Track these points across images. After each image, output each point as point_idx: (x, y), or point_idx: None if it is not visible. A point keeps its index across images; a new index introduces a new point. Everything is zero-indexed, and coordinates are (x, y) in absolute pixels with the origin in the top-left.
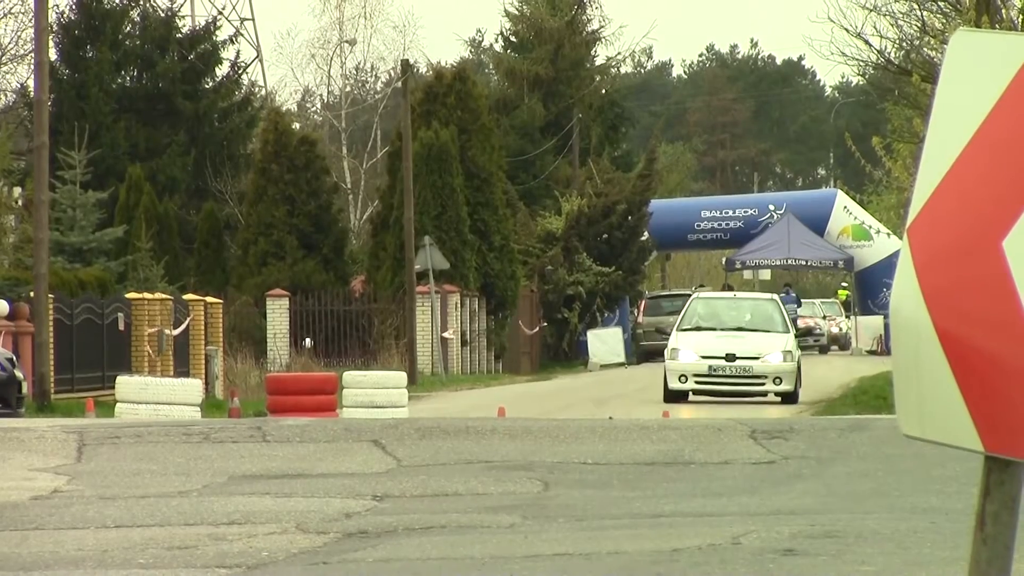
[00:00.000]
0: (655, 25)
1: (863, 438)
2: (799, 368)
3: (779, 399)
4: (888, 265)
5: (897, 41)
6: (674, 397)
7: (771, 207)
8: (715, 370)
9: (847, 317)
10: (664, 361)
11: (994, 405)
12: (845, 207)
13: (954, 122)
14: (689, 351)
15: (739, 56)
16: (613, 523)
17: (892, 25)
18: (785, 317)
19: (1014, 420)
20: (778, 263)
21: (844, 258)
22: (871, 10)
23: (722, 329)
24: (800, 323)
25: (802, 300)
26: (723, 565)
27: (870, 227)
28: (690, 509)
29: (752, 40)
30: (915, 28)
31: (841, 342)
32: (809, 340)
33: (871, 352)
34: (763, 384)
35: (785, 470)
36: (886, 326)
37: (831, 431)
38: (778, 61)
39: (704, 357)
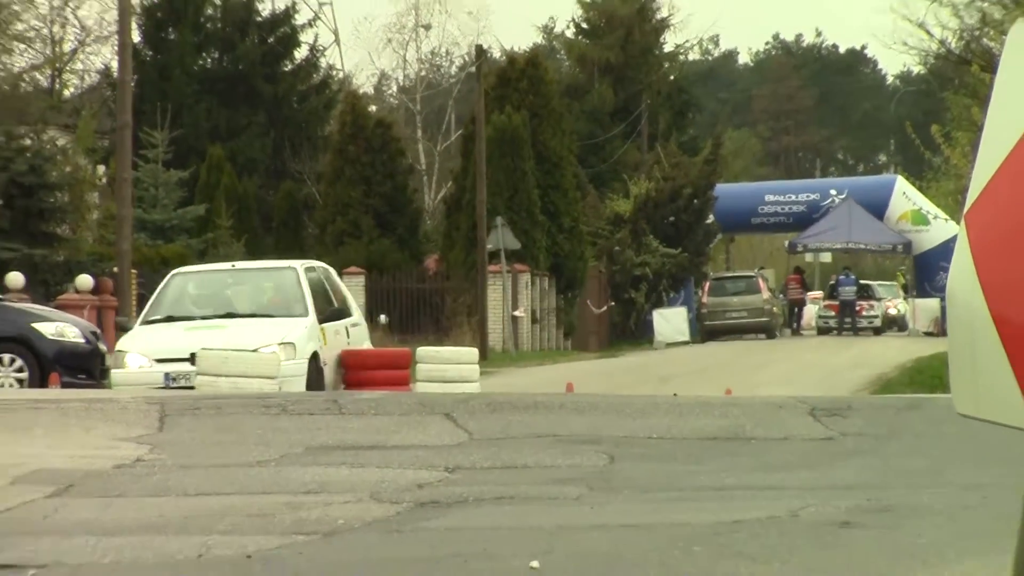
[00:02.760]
0: (722, 14)
1: (919, 416)
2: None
3: None
4: (945, 250)
5: (958, 31)
6: None
7: (832, 192)
8: (175, 380)
9: (905, 299)
10: (110, 370)
11: None
12: (904, 193)
13: (1012, 111)
14: (136, 355)
15: (804, 45)
16: (676, 495)
17: (953, 15)
18: (307, 294)
19: None
20: (839, 246)
21: (903, 242)
22: (933, 0)
23: (204, 317)
24: (863, 305)
25: (863, 281)
26: (782, 536)
27: (928, 212)
28: (750, 483)
29: (817, 30)
30: (975, 19)
31: (899, 323)
32: (871, 318)
33: (928, 333)
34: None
35: (843, 446)
36: (943, 308)
37: (888, 409)
38: (841, 50)
39: (160, 361)
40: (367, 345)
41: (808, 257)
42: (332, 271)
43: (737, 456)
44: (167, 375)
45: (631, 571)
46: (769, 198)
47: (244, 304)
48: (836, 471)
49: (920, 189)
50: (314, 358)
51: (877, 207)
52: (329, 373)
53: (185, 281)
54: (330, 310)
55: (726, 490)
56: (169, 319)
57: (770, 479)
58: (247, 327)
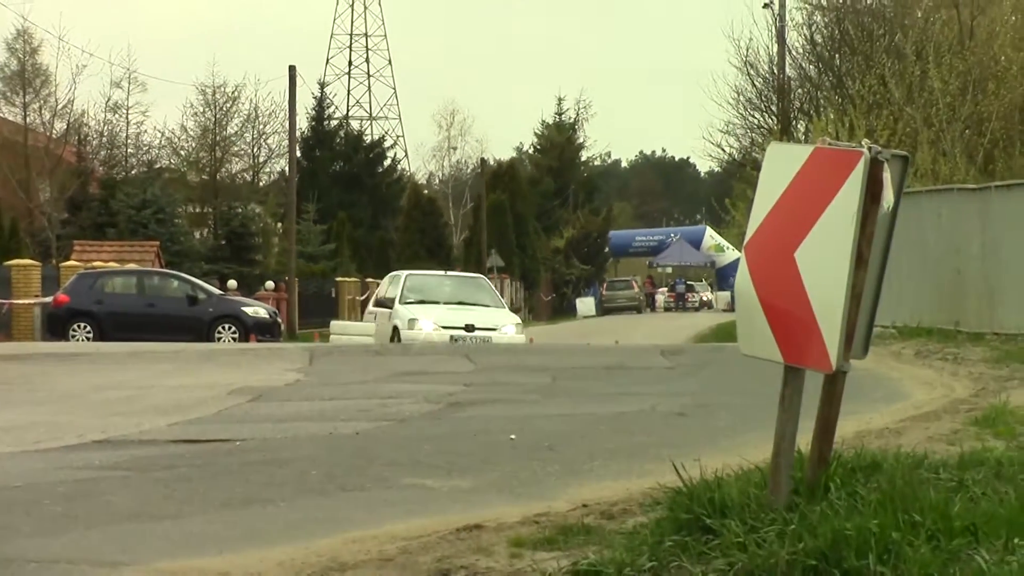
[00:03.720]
0: (612, 139)
1: (720, 356)
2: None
3: None
4: (733, 265)
5: (739, 149)
6: None
7: (672, 235)
8: (457, 340)
9: (711, 292)
10: (401, 331)
11: (788, 338)
12: (711, 235)
13: (769, 191)
14: (427, 322)
15: (656, 155)
16: (589, 398)
17: (737, 140)
18: (497, 293)
19: (799, 346)
20: (675, 264)
21: (710, 261)
22: (725, 133)
23: (446, 303)
24: (689, 295)
25: (689, 283)
26: (646, 421)
27: (723, 245)
28: (628, 391)
29: (663, 148)
30: (748, 141)
31: (708, 305)
32: (693, 303)
33: (725, 311)
34: None
35: (678, 372)
36: (732, 296)
37: (703, 351)
38: (676, 158)
39: (445, 328)
40: None
41: (659, 269)
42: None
43: (622, 377)
44: (452, 337)
45: (567, 439)
46: (638, 238)
47: (466, 297)
48: (675, 385)
49: (719, 233)
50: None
51: (696, 242)
52: None
53: (418, 279)
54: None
55: (616, 396)
56: (422, 302)
57: (639, 390)
58: (484, 311)
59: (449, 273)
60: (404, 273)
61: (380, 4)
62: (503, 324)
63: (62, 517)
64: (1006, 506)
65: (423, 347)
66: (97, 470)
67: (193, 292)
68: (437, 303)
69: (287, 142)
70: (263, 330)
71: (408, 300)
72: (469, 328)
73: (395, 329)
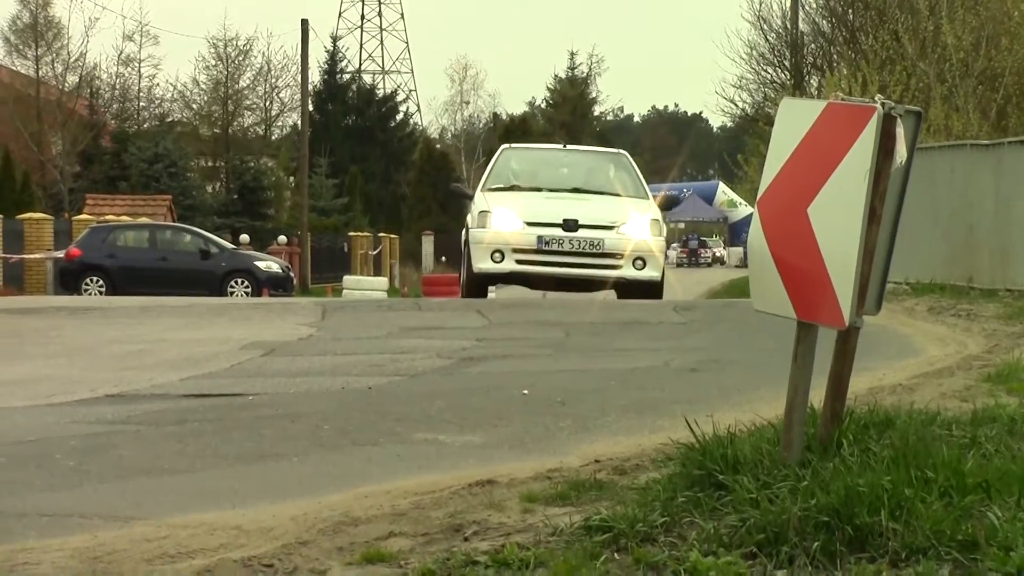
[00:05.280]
0: (625, 94)
1: (733, 311)
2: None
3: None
4: (745, 220)
5: (752, 104)
6: (478, 287)
7: (685, 190)
8: (548, 243)
9: (723, 248)
10: (470, 229)
11: (801, 294)
12: (723, 191)
13: (781, 147)
14: (505, 213)
15: (669, 111)
16: (602, 354)
17: (750, 95)
18: (641, 178)
19: (812, 302)
20: (689, 219)
21: (723, 216)
22: (738, 88)
23: (551, 190)
24: (701, 251)
25: (702, 238)
26: (660, 376)
27: (736, 201)
28: (642, 347)
29: (675, 102)
30: (762, 96)
31: (721, 261)
32: (706, 259)
33: (737, 266)
34: (619, 266)
35: (691, 327)
36: (745, 252)
37: (716, 307)
38: (689, 113)
39: (531, 224)
40: None
41: (671, 225)
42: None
43: (635, 333)
44: (540, 238)
45: (579, 394)
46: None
47: (587, 182)
48: (688, 341)
49: (732, 189)
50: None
51: (708, 198)
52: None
53: (518, 154)
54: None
55: (629, 351)
56: (514, 188)
57: (653, 345)
58: (604, 202)
59: (570, 147)
60: (502, 147)
61: None
62: (624, 220)
63: (74, 471)
64: (1019, 463)
65: (438, 304)
66: (109, 424)
67: (205, 246)
68: (539, 190)
69: (299, 96)
70: (276, 285)
71: (494, 186)
72: (570, 225)
73: (466, 229)
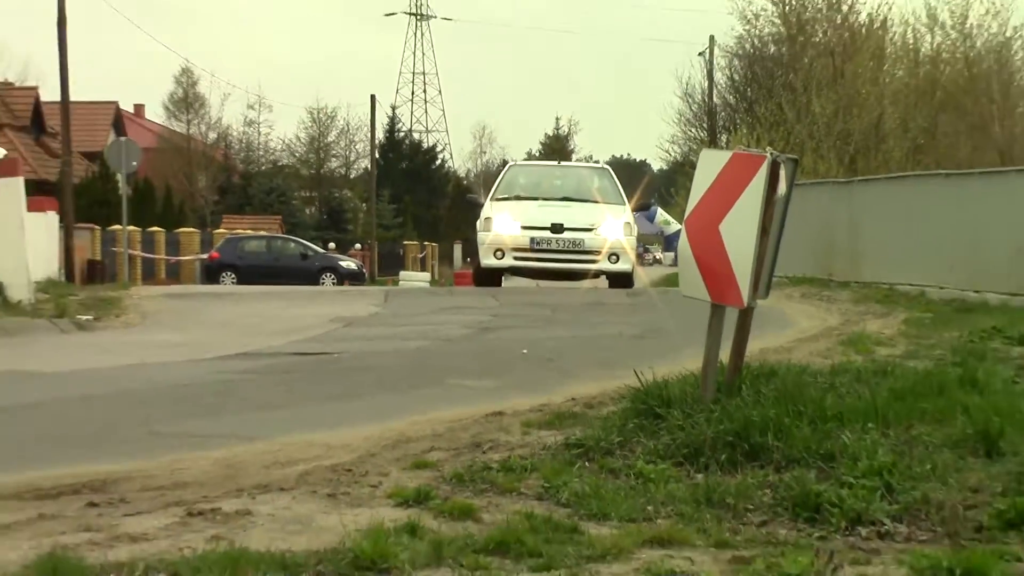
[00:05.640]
0: (593, 148)
1: (668, 296)
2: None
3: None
4: (675, 234)
5: (681, 154)
6: (486, 277)
7: (635, 213)
8: (537, 243)
9: (661, 253)
10: (478, 232)
11: (714, 284)
12: (661, 213)
13: (701, 183)
14: (506, 220)
15: (625, 158)
16: (576, 326)
17: (679, 147)
18: (620, 188)
19: (722, 290)
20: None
21: (660, 231)
22: (671, 143)
23: (546, 199)
24: (645, 254)
25: (646, 246)
26: (616, 340)
27: (669, 220)
28: (604, 321)
29: (628, 152)
30: (687, 148)
31: (660, 261)
32: (648, 260)
33: (670, 266)
34: (596, 260)
35: (639, 308)
36: (675, 255)
37: (657, 293)
38: (637, 159)
39: (526, 228)
40: None
41: None
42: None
43: (599, 311)
44: (533, 239)
45: (562, 353)
46: None
47: (576, 191)
48: (636, 317)
49: (667, 212)
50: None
51: (650, 218)
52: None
53: (521, 170)
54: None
55: (595, 323)
56: (518, 197)
57: (612, 319)
58: (587, 208)
59: (564, 163)
60: (509, 164)
61: (434, 52)
62: (601, 223)
63: (214, 406)
64: (863, 401)
65: (464, 291)
66: (238, 373)
67: (304, 251)
68: (535, 199)
69: (370, 148)
70: (353, 277)
71: (501, 196)
72: (557, 228)
73: (476, 232)
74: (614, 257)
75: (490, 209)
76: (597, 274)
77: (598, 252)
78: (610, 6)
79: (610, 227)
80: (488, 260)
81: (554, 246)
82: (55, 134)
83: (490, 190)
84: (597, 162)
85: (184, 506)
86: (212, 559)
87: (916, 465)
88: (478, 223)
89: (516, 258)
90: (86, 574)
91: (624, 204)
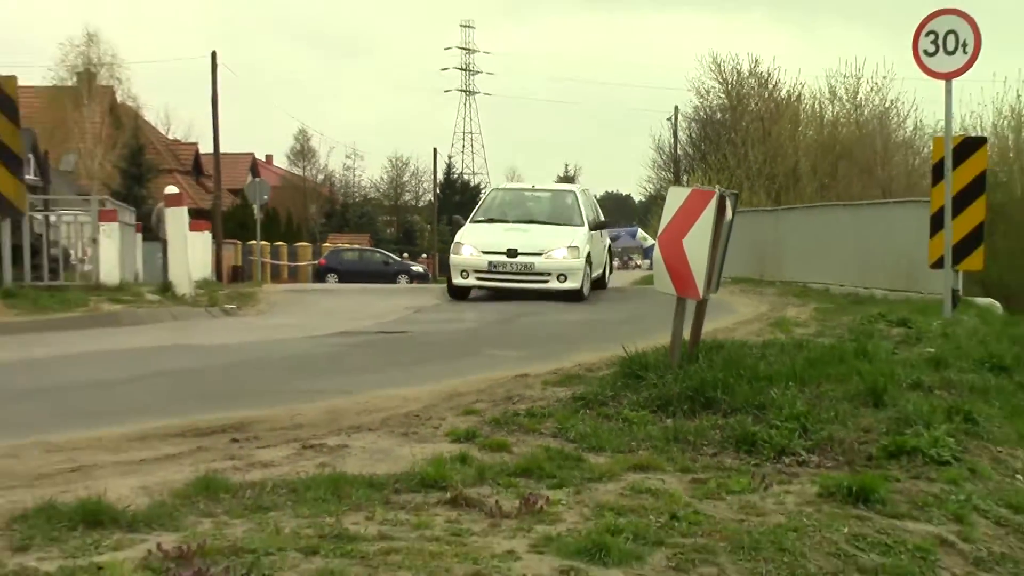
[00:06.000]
0: (593, 184)
1: (646, 291)
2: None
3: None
4: (651, 247)
5: (655, 189)
6: (457, 293)
7: (622, 233)
8: (493, 266)
9: (641, 260)
10: (451, 255)
11: (679, 282)
12: (641, 232)
13: (670, 209)
14: (469, 246)
15: (613, 193)
16: (576, 313)
17: (653, 185)
18: (584, 211)
19: (684, 286)
20: (624, 245)
21: (640, 245)
22: (648, 181)
23: (516, 221)
24: (630, 262)
25: (630, 255)
26: (607, 324)
27: (647, 237)
28: (598, 309)
29: (617, 188)
30: (660, 185)
31: (640, 267)
32: (632, 266)
33: (648, 270)
34: (547, 281)
35: (623, 300)
36: (651, 262)
37: (637, 289)
38: (624, 193)
39: (485, 252)
40: (608, 242)
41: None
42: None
43: (597, 304)
44: (490, 263)
45: (568, 333)
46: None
47: (543, 213)
48: (621, 307)
49: (646, 231)
50: (588, 257)
51: (632, 235)
52: (591, 265)
53: (500, 195)
54: (594, 223)
55: (591, 312)
56: (489, 220)
57: (604, 308)
58: (546, 231)
59: (537, 187)
60: (492, 188)
61: (478, 116)
62: (553, 247)
63: (323, 370)
64: (785, 367)
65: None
66: (339, 347)
67: (386, 259)
68: (505, 222)
69: (432, 186)
70: (421, 279)
71: (479, 218)
72: (511, 253)
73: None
74: (562, 277)
75: (461, 234)
76: (548, 291)
77: (548, 274)
78: (605, 86)
79: (559, 251)
80: (456, 279)
81: (508, 269)
82: (209, 176)
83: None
84: (572, 179)
85: (300, 441)
86: (320, 480)
87: (824, 413)
88: (452, 245)
89: (478, 278)
90: (230, 489)
91: (583, 225)
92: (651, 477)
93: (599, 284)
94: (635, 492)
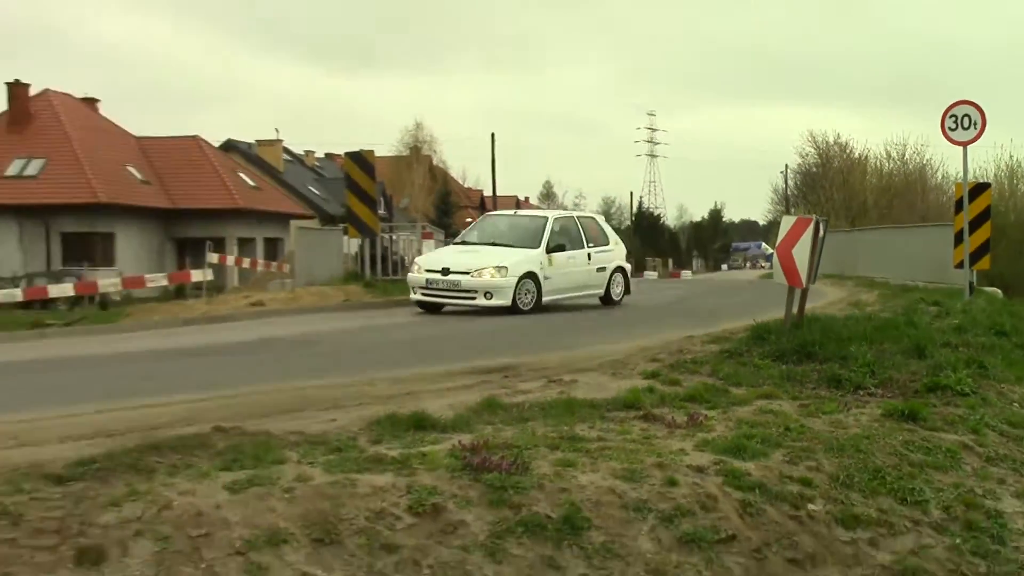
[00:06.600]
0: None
1: (766, 283)
2: (521, 281)
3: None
4: (771, 255)
5: (774, 216)
6: (420, 305)
7: (753, 246)
8: (431, 283)
9: (766, 262)
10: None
11: (789, 276)
12: (764, 245)
13: (784, 230)
14: (417, 264)
15: (742, 219)
16: (725, 297)
17: (772, 215)
18: (547, 235)
19: (793, 279)
20: (754, 253)
21: (765, 253)
22: (771, 212)
23: (478, 243)
24: (758, 265)
25: (762, 260)
26: (744, 304)
27: (769, 248)
28: (735, 295)
29: (747, 215)
30: (776, 214)
31: (764, 268)
32: (758, 267)
33: (770, 269)
34: (475, 297)
35: (752, 289)
36: (771, 264)
37: (764, 281)
38: (751, 219)
39: (427, 271)
40: (616, 264)
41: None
42: (597, 218)
43: (734, 291)
44: (427, 280)
45: (720, 310)
46: (741, 246)
47: (506, 237)
48: (748, 295)
49: (768, 244)
50: (529, 275)
51: (759, 246)
52: (552, 283)
53: (486, 220)
54: (556, 244)
55: (731, 296)
56: (463, 242)
57: (738, 295)
58: (489, 253)
59: (520, 213)
60: (484, 215)
61: (659, 168)
62: (483, 266)
63: (556, 330)
64: (860, 331)
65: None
66: (572, 317)
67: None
68: (470, 244)
69: (631, 216)
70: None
71: (456, 240)
72: (444, 271)
73: None
74: (489, 294)
75: (418, 256)
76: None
77: (475, 291)
78: (742, 150)
79: (488, 269)
80: (411, 293)
81: (440, 285)
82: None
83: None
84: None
85: (546, 377)
86: (559, 402)
87: (885, 362)
88: None
89: (422, 294)
90: (503, 407)
91: (537, 247)
92: (772, 403)
93: (607, 299)
94: (761, 412)
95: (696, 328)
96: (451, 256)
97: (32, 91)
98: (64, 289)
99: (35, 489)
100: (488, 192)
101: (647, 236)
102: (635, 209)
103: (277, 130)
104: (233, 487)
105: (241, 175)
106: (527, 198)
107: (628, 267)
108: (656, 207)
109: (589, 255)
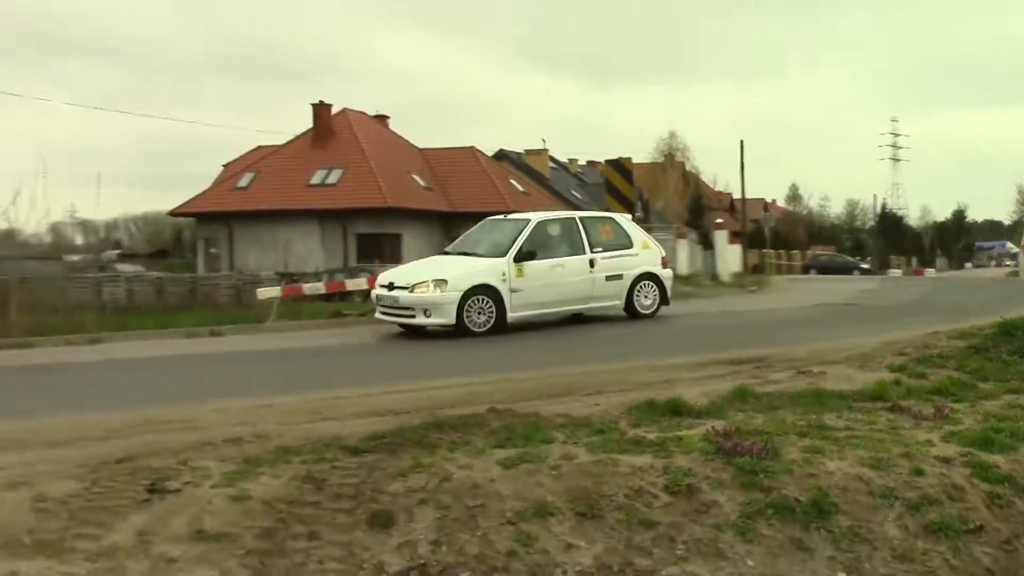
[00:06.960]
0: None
1: (1013, 281)
2: (469, 297)
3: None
4: (1016, 253)
5: (1019, 216)
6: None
7: (998, 245)
8: (379, 299)
9: (1011, 260)
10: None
11: None
12: (1010, 244)
13: None
14: (379, 279)
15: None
16: (962, 295)
17: (1019, 214)
18: (520, 241)
19: None
20: (1000, 252)
21: (1011, 252)
22: (1013, 212)
23: (454, 253)
24: (1004, 263)
25: (1010, 258)
26: (985, 301)
27: (1014, 247)
28: (976, 293)
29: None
30: (1022, 214)
31: (1011, 266)
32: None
33: (1015, 267)
34: (415, 316)
35: (988, 288)
36: (1016, 262)
37: (998, 280)
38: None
39: (381, 285)
40: (641, 271)
41: (994, 254)
42: (618, 219)
43: (976, 287)
44: (377, 295)
45: (964, 305)
46: (985, 245)
47: (479, 246)
48: (995, 291)
49: (1012, 242)
50: (481, 289)
51: (1002, 245)
52: (526, 296)
53: (482, 225)
54: (527, 252)
55: (972, 293)
56: (445, 253)
57: (978, 292)
58: (448, 265)
59: (508, 216)
60: (486, 219)
61: (900, 171)
62: (423, 280)
63: (805, 324)
64: None
65: None
66: (816, 313)
67: (845, 260)
68: (448, 254)
69: (875, 215)
70: (868, 273)
71: (445, 249)
72: (390, 287)
73: None
74: (428, 312)
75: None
76: (421, 326)
77: (413, 308)
78: (988, 155)
79: (428, 283)
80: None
81: (385, 301)
82: (738, 211)
83: None
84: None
85: (795, 368)
86: (808, 392)
87: None
88: None
89: (380, 311)
90: (754, 395)
91: (504, 256)
92: (1020, 398)
93: (631, 311)
94: (1010, 407)
95: (939, 325)
96: (407, 269)
97: (333, 110)
98: (359, 283)
99: (335, 458)
100: (737, 194)
101: (891, 236)
102: (878, 211)
103: (544, 140)
104: (505, 463)
105: (512, 181)
106: (774, 200)
107: (667, 273)
108: (900, 208)
109: (592, 262)
